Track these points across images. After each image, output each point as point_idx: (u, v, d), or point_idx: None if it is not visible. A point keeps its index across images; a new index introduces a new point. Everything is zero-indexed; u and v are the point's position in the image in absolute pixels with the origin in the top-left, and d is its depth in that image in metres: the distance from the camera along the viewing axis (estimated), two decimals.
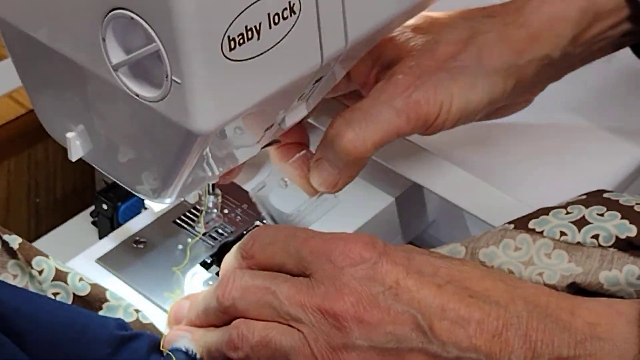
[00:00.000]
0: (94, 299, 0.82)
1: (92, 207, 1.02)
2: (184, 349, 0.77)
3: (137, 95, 0.67)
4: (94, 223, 1.01)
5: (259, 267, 0.75)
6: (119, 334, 0.77)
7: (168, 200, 0.77)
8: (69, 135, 0.76)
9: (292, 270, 0.73)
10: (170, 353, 0.76)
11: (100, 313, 0.82)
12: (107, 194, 0.97)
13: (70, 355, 0.76)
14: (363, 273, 0.71)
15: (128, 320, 0.81)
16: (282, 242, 0.74)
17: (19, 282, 0.83)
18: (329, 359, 0.70)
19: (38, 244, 1.01)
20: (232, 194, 0.94)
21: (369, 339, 0.70)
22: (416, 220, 1.02)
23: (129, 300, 0.83)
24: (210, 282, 0.87)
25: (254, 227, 0.93)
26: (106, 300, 0.82)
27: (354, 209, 0.95)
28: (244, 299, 0.73)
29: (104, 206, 0.97)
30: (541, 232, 0.76)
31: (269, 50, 0.67)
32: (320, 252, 0.72)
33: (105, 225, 0.98)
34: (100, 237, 0.98)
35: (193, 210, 0.93)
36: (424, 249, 0.75)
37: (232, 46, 0.64)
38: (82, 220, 1.03)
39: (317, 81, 0.77)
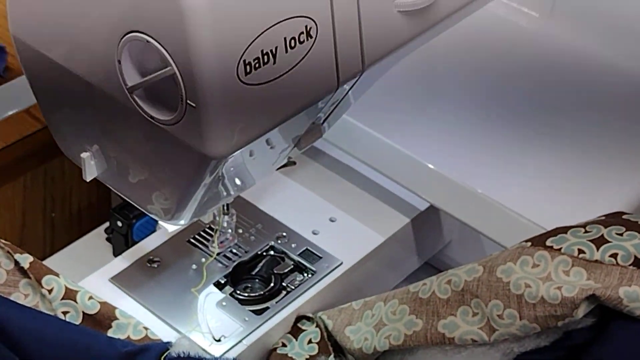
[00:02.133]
0: (103, 317, 0.82)
1: (107, 224, 1.01)
2: (175, 355, 0.76)
3: (152, 118, 0.67)
4: (108, 239, 1.01)
5: None
6: (124, 350, 0.77)
7: (182, 222, 0.77)
8: (84, 155, 0.76)
9: None
10: None
11: (110, 331, 0.82)
12: (122, 211, 0.97)
13: None
14: None
15: (137, 337, 0.81)
16: None
17: (30, 301, 0.83)
18: None
19: (53, 260, 1.01)
20: (246, 213, 0.94)
21: None
22: (432, 241, 1.01)
23: (142, 319, 0.83)
24: (224, 303, 0.86)
25: (267, 247, 0.92)
26: (115, 318, 0.82)
27: (370, 230, 0.94)
28: None
29: (119, 223, 0.97)
30: (559, 249, 0.76)
31: (285, 74, 0.66)
32: None
33: (119, 242, 0.98)
34: (115, 254, 0.97)
35: (207, 230, 0.92)
36: None
37: (248, 70, 0.64)
38: (97, 237, 1.02)
39: (333, 103, 0.76)
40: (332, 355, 0.84)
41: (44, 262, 0.99)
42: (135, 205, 0.79)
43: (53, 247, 1.10)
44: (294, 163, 0.83)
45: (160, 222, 0.80)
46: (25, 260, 0.83)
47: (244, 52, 0.63)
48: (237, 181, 0.79)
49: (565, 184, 0.91)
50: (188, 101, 0.64)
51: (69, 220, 1.12)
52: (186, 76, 0.63)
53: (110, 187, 0.79)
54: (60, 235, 1.11)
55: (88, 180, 0.77)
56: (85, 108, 0.73)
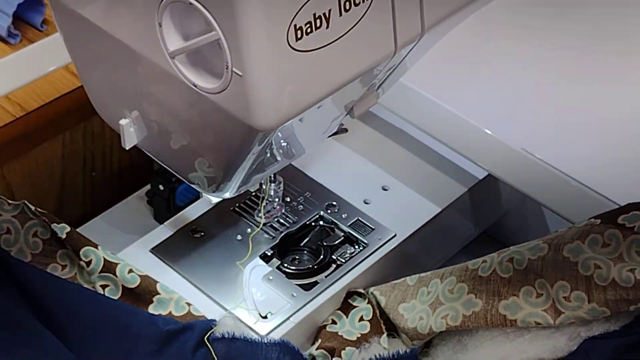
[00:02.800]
0: (144, 292, 0.78)
1: (149, 186, 0.98)
2: (219, 335, 0.73)
3: (195, 86, 0.62)
4: (149, 203, 0.97)
5: None
6: (165, 329, 0.74)
7: (227, 195, 0.73)
8: (123, 122, 0.72)
9: None
10: (209, 345, 0.73)
11: (151, 306, 0.78)
12: (165, 174, 0.93)
13: (114, 352, 0.73)
14: None
15: (180, 313, 0.78)
16: None
17: (68, 272, 0.80)
18: None
19: (93, 224, 0.98)
20: (294, 181, 0.89)
21: None
22: (490, 211, 0.96)
23: (183, 293, 0.80)
24: (270, 277, 0.82)
25: (317, 217, 0.88)
26: (157, 293, 0.78)
27: (427, 199, 0.90)
28: None
29: (161, 187, 0.93)
30: (632, 228, 0.71)
31: (338, 39, 0.61)
32: None
33: (161, 206, 0.94)
34: (156, 218, 0.93)
35: (253, 199, 0.88)
36: None
37: (299, 35, 0.59)
38: (138, 200, 0.98)
39: (390, 69, 0.71)
40: (384, 335, 0.80)
41: (85, 225, 0.97)
42: (177, 174, 0.75)
43: (94, 207, 1.08)
44: (346, 130, 0.79)
45: (203, 194, 0.76)
46: (63, 230, 0.80)
47: (295, 15, 0.58)
48: (286, 150, 0.74)
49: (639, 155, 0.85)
50: (234, 69, 0.59)
51: (109, 179, 1.09)
52: (232, 42, 0.58)
53: (151, 155, 0.75)
54: (100, 195, 1.09)
55: (127, 148, 0.73)
56: (125, 73, 0.69)
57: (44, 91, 0.97)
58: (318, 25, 0.60)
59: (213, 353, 0.72)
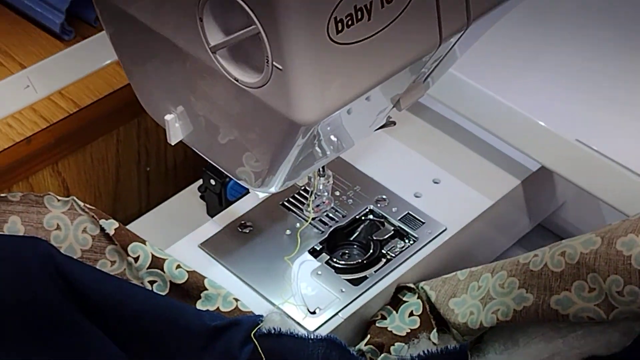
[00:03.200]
0: (191, 287, 0.78)
1: (201, 181, 0.98)
2: (265, 331, 0.72)
3: (237, 80, 0.62)
4: (202, 197, 0.97)
5: None
6: (212, 325, 0.74)
7: (273, 190, 0.72)
8: (168, 117, 0.72)
9: None
10: (254, 340, 0.72)
11: (199, 302, 0.78)
12: (216, 169, 0.92)
13: (161, 347, 0.73)
14: None
15: (227, 309, 0.78)
16: None
17: (117, 268, 0.80)
18: None
19: (146, 218, 0.98)
20: (344, 175, 0.89)
21: None
22: (545, 203, 0.94)
23: (232, 289, 0.79)
24: (319, 272, 0.81)
25: (366, 211, 0.87)
26: (204, 289, 0.78)
27: (479, 192, 0.88)
28: None
29: (212, 182, 0.93)
30: None
31: (380, 31, 0.60)
32: None
33: (213, 200, 0.94)
34: (209, 213, 0.93)
35: (302, 193, 0.87)
36: None
37: (340, 28, 0.58)
38: (191, 195, 0.98)
39: (436, 60, 0.70)
40: (434, 331, 0.79)
41: (138, 220, 0.98)
42: (224, 170, 0.75)
43: (149, 202, 1.08)
44: (394, 123, 0.77)
45: (251, 190, 0.76)
46: (111, 226, 0.79)
47: (335, 8, 0.57)
48: (334, 143, 0.73)
49: None
50: (274, 63, 0.59)
51: (164, 174, 1.09)
52: (272, 36, 0.57)
53: (197, 151, 0.75)
54: (156, 190, 1.09)
55: (173, 144, 0.73)
56: (168, 69, 0.69)
57: (97, 87, 0.97)
58: (359, 17, 0.59)
59: (259, 349, 0.71)
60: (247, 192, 0.90)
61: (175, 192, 1.03)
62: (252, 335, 0.72)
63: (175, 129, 0.72)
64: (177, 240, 0.86)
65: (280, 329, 0.73)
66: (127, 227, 0.83)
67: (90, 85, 0.97)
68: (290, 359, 0.72)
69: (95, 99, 0.96)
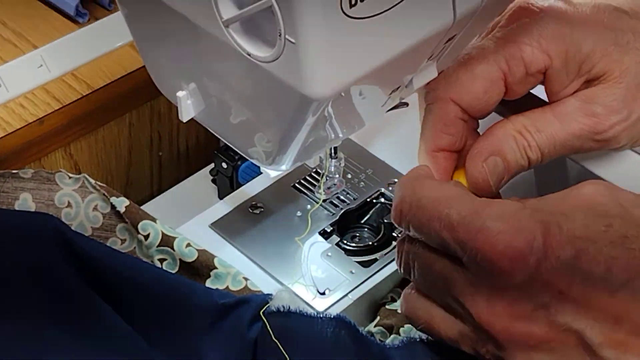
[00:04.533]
0: (201, 266, 0.78)
1: (213, 165, 0.98)
2: (274, 309, 0.72)
3: (249, 55, 0.61)
4: (213, 181, 0.97)
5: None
6: (220, 303, 0.73)
7: (283, 167, 0.71)
8: (180, 94, 0.71)
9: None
10: (263, 318, 0.72)
11: (208, 280, 0.78)
12: (227, 152, 0.93)
13: (171, 324, 0.73)
14: (517, 286, 0.61)
15: (237, 288, 0.77)
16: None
17: (127, 246, 0.80)
18: None
19: (157, 201, 0.98)
20: (356, 157, 0.88)
21: (530, 358, 0.62)
22: (556, 188, 0.93)
23: (242, 269, 0.79)
24: (329, 254, 0.81)
25: (377, 194, 0.86)
26: (214, 268, 0.78)
27: None
28: None
29: (224, 165, 0.93)
30: None
31: (394, 6, 0.59)
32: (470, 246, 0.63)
33: (224, 184, 0.94)
34: (220, 197, 0.93)
35: (313, 175, 0.87)
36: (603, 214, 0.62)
37: (353, 2, 0.57)
38: (203, 178, 0.98)
39: (449, 40, 0.69)
40: None
41: (149, 202, 0.98)
42: (235, 148, 0.74)
43: (160, 186, 1.08)
44: (406, 104, 0.77)
45: (262, 168, 0.76)
46: (122, 203, 0.79)
47: None
48: (344, 122, 0.73)
49: None
50: (287, 36, 0.58)
51: (176, 159, 1.09)
52: (284, 8, 0.57)
53: (210, 129, 0.75)
54: (167, 175, 1.09)
55: (184, 121, 0.72)
56: (181, 44, 0.69)
57: (110, 69, 0.97)
58: None
59: (268, 327, 0.71)
60: (258, 175, 0.90)
61: (187, 176, 1.03)
62: (260, 313, 0.72)
63: (187, 106, 0.72)
64: (186, 222, 0.86)
65: (289, 307, 0.73)
66: None
67: (104, 67, 0.97)
68: (299, 336, 0.71)
69: (109, 81, 0.96)
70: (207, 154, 1.08)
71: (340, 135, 0.75)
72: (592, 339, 0.60)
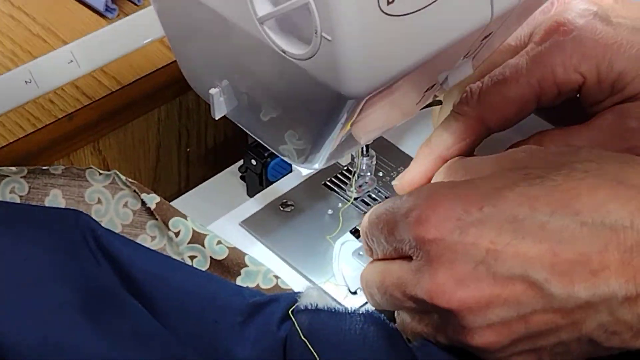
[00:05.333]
0: (232, 264, 0.77)
1: (242, 162, 0.97)
2: (302, 307, 0.72)
3: (284, 52, 0.61)
4: (242, 178, 0.96)
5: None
6: (251, 301, 0.73)
7: (316, 166, 0.71)
8: (213, 91, 0.71)
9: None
10: (292, 317, 0.72)
11: (239, 278, 0.78)
12: (257, 148, 0.92)
13: (200, 322, 0.73)
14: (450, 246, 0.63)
15: (267, 286, 0.77)
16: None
17: (157, 243, 0.79)
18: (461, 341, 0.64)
19: (185, 198, 0.98)
20: (387, 155, 0.88)
21: (487, 319, 0.63)
22: None
23: (273, 267, 0.79)
24: (361, 253, 0.80)
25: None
26: (245, 266, 0.77)
27: None
28: None
29: (253, 162, 0.92)
30: None
31: (431, 4, 0.59)
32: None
33: (253, 181, 0.93)
34: (249, 193, 0.93)
35: (345, 173, 0.86)
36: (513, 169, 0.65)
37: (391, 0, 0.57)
38: (231, 175, 0.98)
39: (485, 37, 0.68)
40: None
41: (177, 199, 0.97)
42: (267, 146, 0.74)
43: (188, 183, 1.08)
44: (440, 102, 0.76)
45: (293, 166, 0.75)
46: (152, 200, 0.79)
47: None
48: (378, 120, 0.72)
49: None
50: (323, 34, 0.58)
51: (204, 155, 1.09)
52: (321, 6, 0.56)
53: (241, 126, 0.74)
54: (195, 171, 1.09)
55: (217, 118, 0.72)
56: (215, 41, 0.68)
57: (139, 65, 0.97)
58: None
59: (297, 325, 0.71)
60: (288, 172, 0.89)
61: (215, 173, 1.03)
62: (290, 312, 0.72)
63: (219, 103, 0.71)
64: (216, 220, 0.86)
65: (317, 304, 0.72)
66: None
67: (133, 63, 0.97)
68: (328, 334, 0.71)
69: (138, 77, 0.96)
70: (236, 150, 1.07)
71: (376, 133, 0.75)
72: (537, 277, 0.61)
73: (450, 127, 0.75)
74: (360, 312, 0.72)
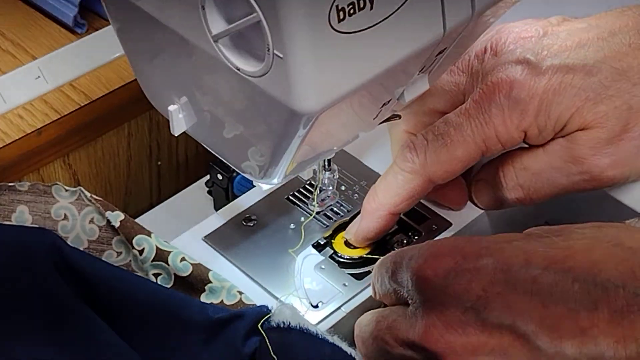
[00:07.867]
0: (196, 280, 0.78)
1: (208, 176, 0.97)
2: (274, 324, 0.72)
3: (239, 69, 0.62)
4: (209, 192, 0.97)
5: None
6: (215, 318, 0.73)
7: (275, 181, 0.71)
8: (171, 108, 0.72)
9: None
10: (263, 332, 0.72)
11: (203, 295, 0.78)
12: (223, 163, 0.92)
13: (165, 339, 0.73)
14: (443, 288, 0.64)
15: (231, 302, 0.77)
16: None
17: (123, 259, 0.80)
18: None
19: (154, 212, 0.98)
20: (350, 169, 0.88)
21: None
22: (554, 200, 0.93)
23: (235, 281, 0.79)
24: (322, 267, 0.81)
25: None
26: (209, 282, 0.78)
27: None
28: None
29: (219, 176, 0.92)
30: None
31: (383, 20, 0.60)
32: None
33: (220, 195, 0.94)
34: (216, 208, 0.93)
35: (307, 187, 0.87)
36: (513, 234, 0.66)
37: (341, 17, 0.58)
38: (199, 189, 0.98)
39: (440, 52, 0.69)
40: None
41: (145, 215, 0.98)
42: (228, 163, 0.74)
43: (160, 196, 1.08)
44: (399, 117, 0.77)
45: (254, 182, 0.75)
46: (117, 218, 0.79)
47: None
48: (336, 135, 0.73)
49: None
50: (275, 51, 0.58)
51: (175, 169, 1.09)
52: (272, 24, 0.57)
53: (202, 143, 0.75)
54: (167, 185, 1.09)
55: (176, 135, 0.73)
56: (171, 58, 0.69)
57: (108, 79, 0.97)
58: (361, 6, 0.58)
59: (268, 342, 0.71)
60: (254, 186, 0.90)
61: (186, 186, 1.03)
62: (259, 327, 0.72)
63: (179, 120, 0.72)
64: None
65: (289, 323, 0.72)
66: (135, 220, 0.83)
67: (102, 77, 0.97)
68: (298, 353, 0.71)
69: (107, 92, 0.96)
70: (206, 164, 1.08)
71: (334, 148, 0.75)
72: (525, 329, 0.60)
73: (396, 183, 0.78)
74: (331, 342, 0.73)
